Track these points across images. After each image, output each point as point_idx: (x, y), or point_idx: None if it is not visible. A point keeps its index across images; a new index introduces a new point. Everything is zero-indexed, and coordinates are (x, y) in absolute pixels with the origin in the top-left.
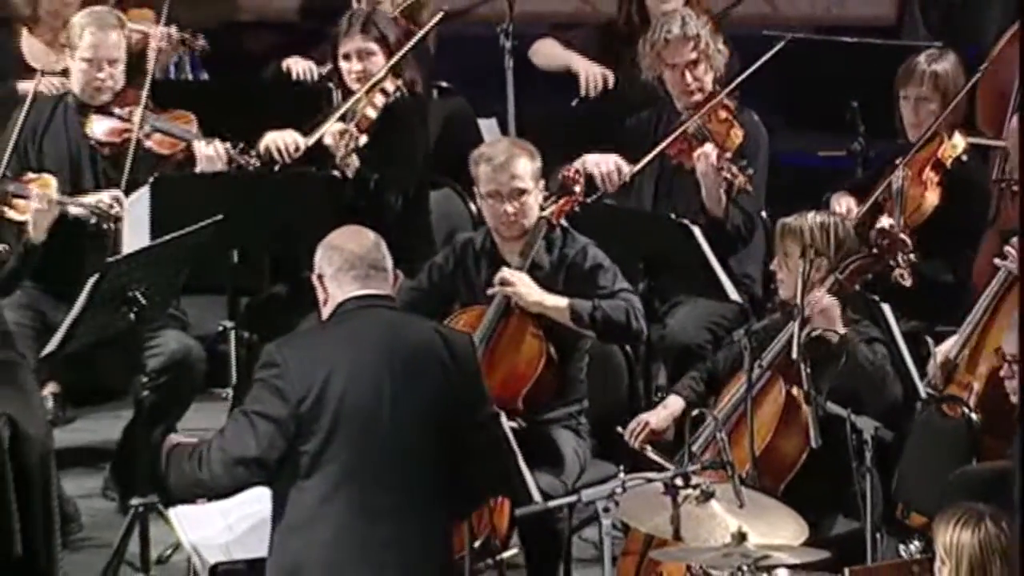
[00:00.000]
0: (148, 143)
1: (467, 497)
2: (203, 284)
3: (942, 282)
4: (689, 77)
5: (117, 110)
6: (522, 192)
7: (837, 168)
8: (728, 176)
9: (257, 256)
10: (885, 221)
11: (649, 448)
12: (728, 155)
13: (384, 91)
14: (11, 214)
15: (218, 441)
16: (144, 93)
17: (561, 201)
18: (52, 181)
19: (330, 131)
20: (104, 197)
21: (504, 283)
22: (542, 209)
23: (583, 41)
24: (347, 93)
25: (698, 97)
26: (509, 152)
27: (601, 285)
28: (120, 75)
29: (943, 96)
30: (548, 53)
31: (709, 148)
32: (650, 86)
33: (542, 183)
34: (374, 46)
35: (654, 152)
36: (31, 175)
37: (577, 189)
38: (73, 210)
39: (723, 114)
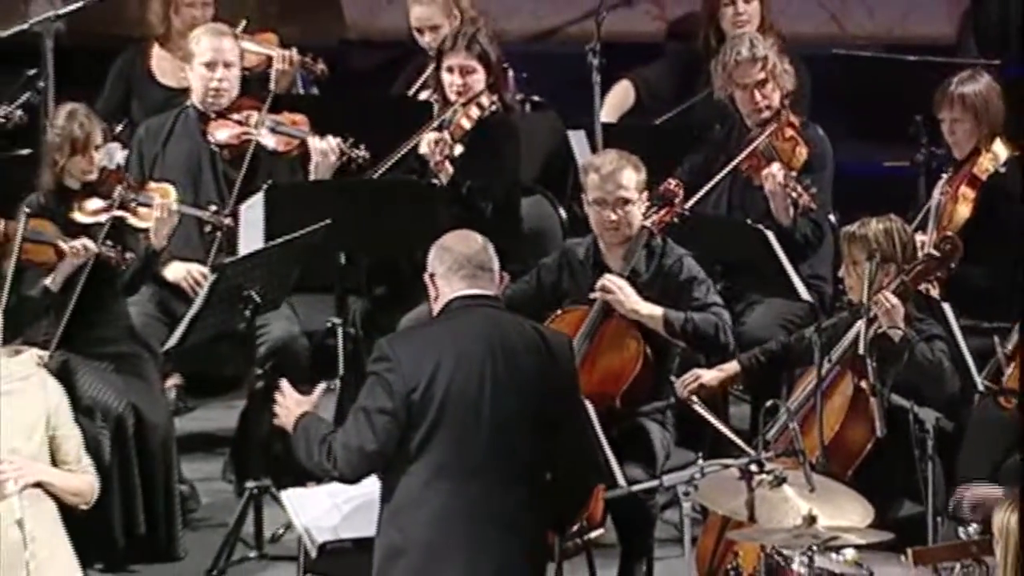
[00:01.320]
0: (265, 142)
1: (563, 481)
2: (312, 283)
3: (980, 286)
4: (758, 96)
5: (236, 116)
6: (626, 201)
7: (901, 177)
8: (794, 195)
9: (361, 258)
10: (919, 238)
11: (695, 400)
12: (794, 174)
13: (480, 105)
14: (134, 221)
15: (342, 437)
16: (265, 106)
17: (662, 211)
18: (172, 191)
19: (426, 139)
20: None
21: (605, 290)
22: (644, 218)
23: (668, 61)
24: (445, 103)
25: (766, 115)
26: (616, 163)
27: (695, 297)
28: (235, 80)
29: (975, 115)
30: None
31: (776, 168)
32: (723, 104)
33: (646, 194)
34: (475, 63)
35: (727, 168)
36: (153, 184)
37: (676, 201)
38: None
39: (789, 132)
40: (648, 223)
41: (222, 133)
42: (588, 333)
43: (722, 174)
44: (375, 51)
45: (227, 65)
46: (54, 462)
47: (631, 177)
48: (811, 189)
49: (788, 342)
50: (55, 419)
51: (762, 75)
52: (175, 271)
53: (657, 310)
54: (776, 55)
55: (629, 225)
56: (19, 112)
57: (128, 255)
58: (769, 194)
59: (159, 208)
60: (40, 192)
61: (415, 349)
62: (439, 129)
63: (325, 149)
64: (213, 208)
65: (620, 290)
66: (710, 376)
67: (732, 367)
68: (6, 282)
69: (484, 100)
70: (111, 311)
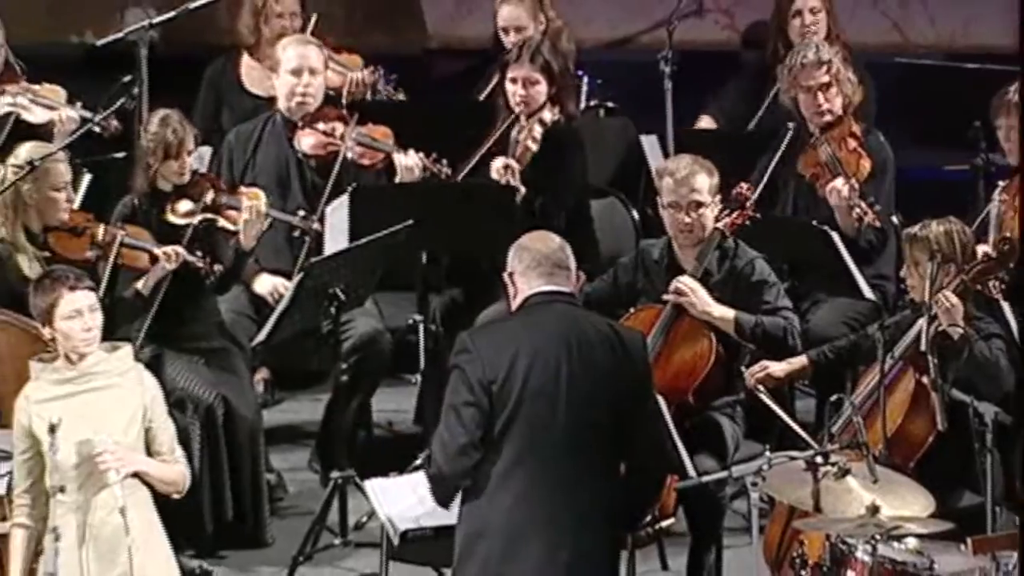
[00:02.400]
0: (351, 155)
1: (636, 472)
2: (396, 282)
3: None
4: (821, 98)
5: (322, 125)
6: (700, 204)
7: (961, 181)
8: (858, 211)
9: (442, 257)
10: (981, 249)
11: (761, 389)
12: (856, 187)
13: (542, 122)
14: (224, 223)
15: (437, 440)
16: (352, 120)
17: (735, 214)
18: (262, 195)
19: (495, 166)
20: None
21: (678, 292)
22: (717, 221)
23: (737, 83)
24: (508, 111)
25: (828, 118)
26: (690, 168)
27: (765, 299)
28: (320, 88)
29: None
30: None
31: (840, 183)
32: (788, 109)
33: (718, 197)
34: (538, 75)
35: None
36: (244, 188)
37: (748, 204)
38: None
39: (852, 143)
40: (720, 225)
41: (308, 142)
42: (662, 330)
43: (765, 179)
44: (456, 59)
45: (312, 72)
46: (149, 453)
47: (704, 181)
48: (875, 207)
49: (856, 340)
50: (151, 412)
51: (826, 78)
52: (263, 284)
53: (729, 313)
54: (841, 62)
55: (703, 227)
56: (115, 123)
57: (216, 267)
58: (834, 208)
59: (248, 210)
60: (134, 195)
61: (494, 342)
62: (505, 151)
63: (410, 165)
64: (302, 214)
65: (693, 292)
66: (778, 368)
67: (800, 361)
68: (102, 284)
69: (547, 116)
70: (203, 308)
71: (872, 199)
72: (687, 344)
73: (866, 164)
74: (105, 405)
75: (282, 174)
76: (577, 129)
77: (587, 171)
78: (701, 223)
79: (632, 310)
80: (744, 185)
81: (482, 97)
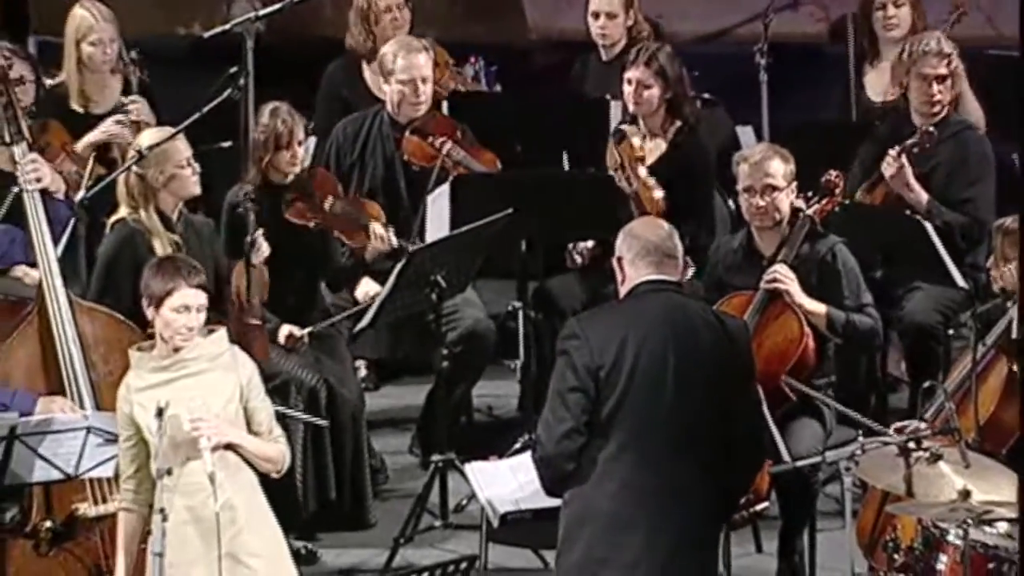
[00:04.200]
0: (452, 174)
1: (736, 459)
2: (496, 269)
3: None
4: (935, 89)
5: (431, 138)
6: (773, 188)
7: None
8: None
9: (542, 245)
10: None
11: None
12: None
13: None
14: (342, 237)
15: (543, 423)
16: (462, 133)
17: (823, 201)
18: (380, 213)
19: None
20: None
21: (776, 280)
22: (807, 206)
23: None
24: (625, 110)
25: (937, 109)
26: (764, 153)
27: (848, 292)
28: (431, 92)
29: None
30: None
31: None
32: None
33: (794, 184)
34: (653, 79)
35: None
36: (364, 201)
37: (837, 191)
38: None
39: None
40: (811, 212)
41: (413, 150)
42: (753, 316)
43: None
44: (556, 51)
45: (423, 80)
46: (248, 432)
47: (778, 167)
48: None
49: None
50: (247, 391)
51: (944, 70)
52: (364, 288)
53: (821, 307)
54: (958, 57)
55: (777, 211)
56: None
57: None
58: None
59: (377, 238)
60: (246, 186)
61: (603, 328)
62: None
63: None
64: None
65: (791, 282)
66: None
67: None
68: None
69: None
70: (310, 296)
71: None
72: (779, 329)
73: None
74: (203, 389)
75: (388, 175)
76: (700, 141)
77: (711, 179)
78: (775, 206)
79: (726, 296)
80: (833, 172)
81: None
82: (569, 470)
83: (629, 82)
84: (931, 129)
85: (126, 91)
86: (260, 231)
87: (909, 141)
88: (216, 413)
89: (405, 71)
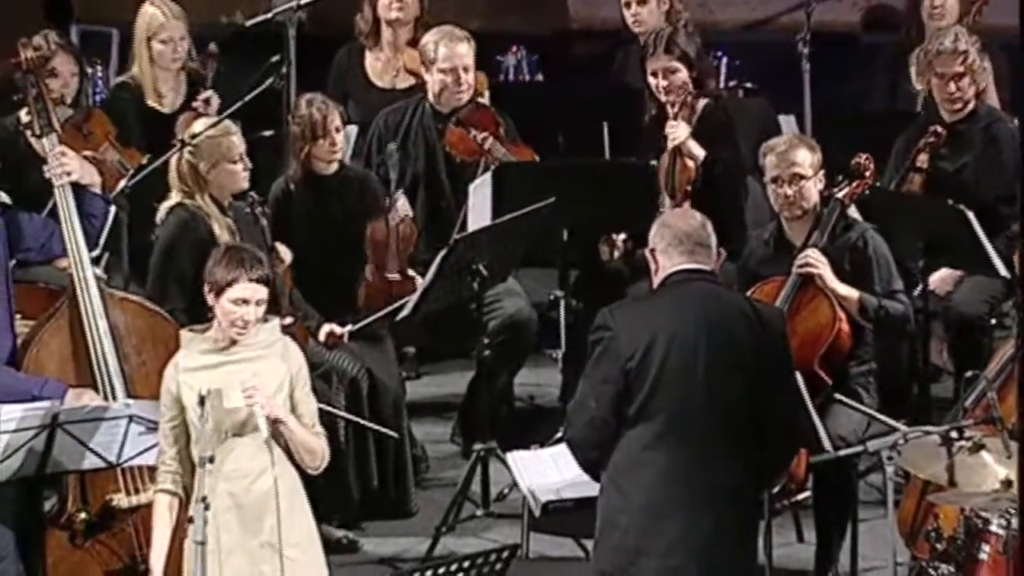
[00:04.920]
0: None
1: (773, 447)
2: (537, 258)
3: None
4: (952, 87)
5: (474, 131)
6: (800, 177)
7: None
8: None
9: (583, 234)
10: None
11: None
12: None
13: (691, 156)
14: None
15: (572, 406)
16: (501, 136)
17: (853, 184)
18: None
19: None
20: None
21: (809, 264)
22: (838, 190)
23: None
24: (655, 102)
25: (958, 106)
26: (790, 143)
27: (880, 278)
28: (472, 81)
29: None
30: None
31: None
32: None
33: (822, 173)
34: (677, 64)
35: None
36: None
37: (867, 174)
38: None
39: None
40: (840, 195)
41: (457, 143)
42: (785, 301)
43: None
44: (597, 41)
45: (465, 69)
46: None
47: (805, 156)
48: None
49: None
50: (295, 382)
51: (960, 68)
52: None
53: (854, 292)
54: (978, 52)
55: (805, 199)
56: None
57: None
58: None
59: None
60: (289, 179)
61: (633, 319)
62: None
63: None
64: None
65: (823, 266)
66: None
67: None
68: None
69: (695, 151)
70: (352, 290)
71: None
72: (811, 314)
73: None
74: (253, 374)
75: (430, 165)
76: (727, 113)
77: (740, 146)
78: (802, 195)
79: (757, 284)
80: (863, 156)
81: None
82: (594, 457)
83: (654, 74)
84: (939, 129)
85: (194, 86)
86: (276, 244)
87: (921, 141)
88: (267, 396)
89: (447, 60)
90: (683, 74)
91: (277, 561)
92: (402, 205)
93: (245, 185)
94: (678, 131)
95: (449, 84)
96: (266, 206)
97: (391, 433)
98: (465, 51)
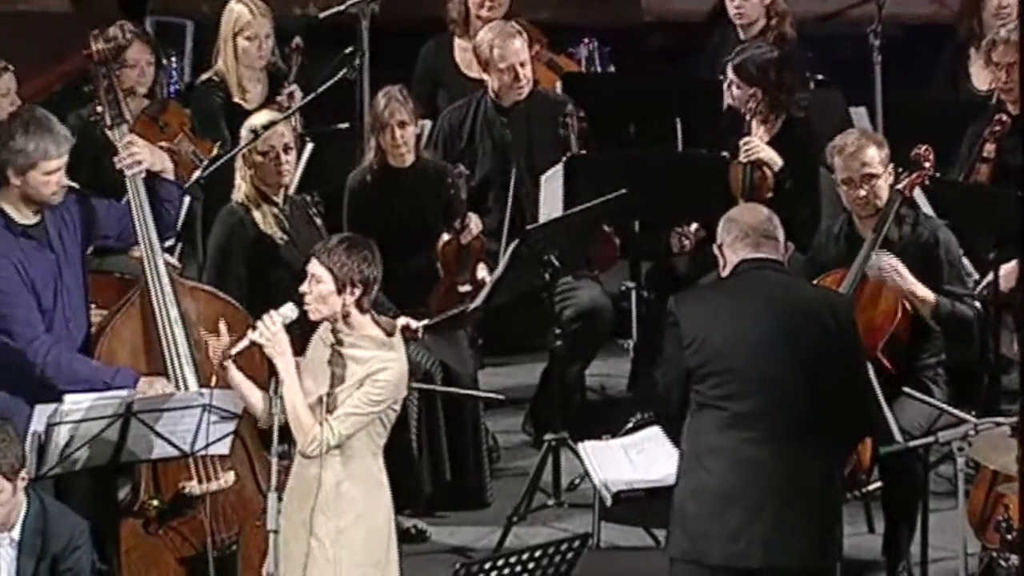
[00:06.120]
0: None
1: (841, 436)
2: None
3: None
4: (1005, 76)
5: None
6: (872, 176)
7: None
8: None
9: (656, 226)
10: None
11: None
12: None
13: (767, 166)
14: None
15: (659, 365)
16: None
17: (913, 175)
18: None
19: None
20: None
21: (884, 269)
22: (898, 182)
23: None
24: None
25: (1013, 97)
26: (859, 143)
27: (948, 279)
28: (531, 74)
29: None
30: None
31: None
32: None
33: (891, 167)
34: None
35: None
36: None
37: (927, 164)
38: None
39: None
40: (900, 187)
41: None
42: (849, 289)
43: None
44: (669, 32)
45: (522, 65)
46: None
47: (874, 154)
48: None
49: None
50: (363, 382)
51: (1013, 58)
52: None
53: (931, 295)
54: None
55: (878, 198)
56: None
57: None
58: None
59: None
60: (365, 171)
61: (696, 307)
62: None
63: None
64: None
65: (900, 275)
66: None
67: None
68: None
69: (774, 161)
70: (427, 283)
71: None
72: (873, 301)
73: None
74: (330, 365)
75: (500, 156)
76: (809, 127)
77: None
78: (875, 193)
79: (823, 275)
80: (923, 146)
81: None
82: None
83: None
84: (1004, 117)
85: (276, 81)
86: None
87: (987, 131)
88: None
89: (503, 59)
90: (756, 92)
91: (305, 544)
92: (475, 225)
93: (285, 181)
94: (756, 146)
95: (508, 82)
96: (335, 202)
97: (498, 396)
98: (520, 46)
